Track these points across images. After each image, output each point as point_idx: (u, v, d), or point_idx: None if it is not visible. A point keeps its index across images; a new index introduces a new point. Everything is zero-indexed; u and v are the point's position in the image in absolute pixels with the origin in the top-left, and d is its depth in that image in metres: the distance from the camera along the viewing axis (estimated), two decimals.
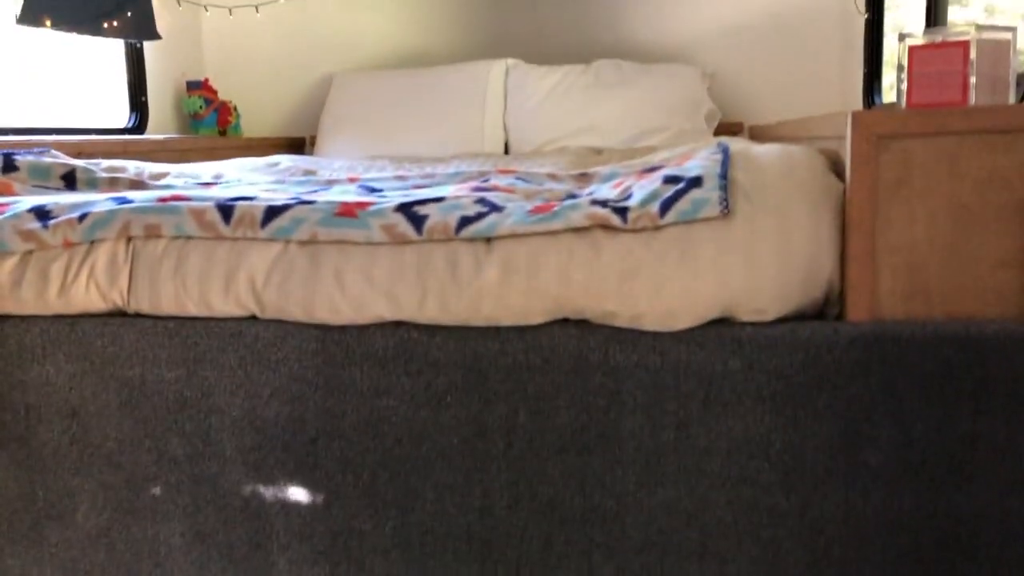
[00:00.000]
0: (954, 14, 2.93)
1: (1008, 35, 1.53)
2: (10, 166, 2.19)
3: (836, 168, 1.67)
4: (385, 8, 4.57)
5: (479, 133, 4.02)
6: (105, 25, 3.47)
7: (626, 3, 4.45)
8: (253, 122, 4.39)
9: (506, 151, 4.03)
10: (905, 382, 1.46)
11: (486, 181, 2.17)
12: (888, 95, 3.42)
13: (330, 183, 2.34)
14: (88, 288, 1.72)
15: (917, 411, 1.46)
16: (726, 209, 1.52)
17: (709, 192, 1.56)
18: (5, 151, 2.24)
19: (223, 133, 4.11)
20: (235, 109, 4.17)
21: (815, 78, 3.90)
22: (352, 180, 2.36)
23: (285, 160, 3.37)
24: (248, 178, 2.71)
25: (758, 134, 3.68)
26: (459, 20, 4.72)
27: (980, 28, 1.53)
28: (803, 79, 3.95)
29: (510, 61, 4.20)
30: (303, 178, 2.69)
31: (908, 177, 1.46)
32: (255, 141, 4.13)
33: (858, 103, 3.47)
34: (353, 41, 4.54)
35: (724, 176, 1.60)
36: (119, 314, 1.74)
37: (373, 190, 2.19)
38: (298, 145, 4.48)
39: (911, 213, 1.47)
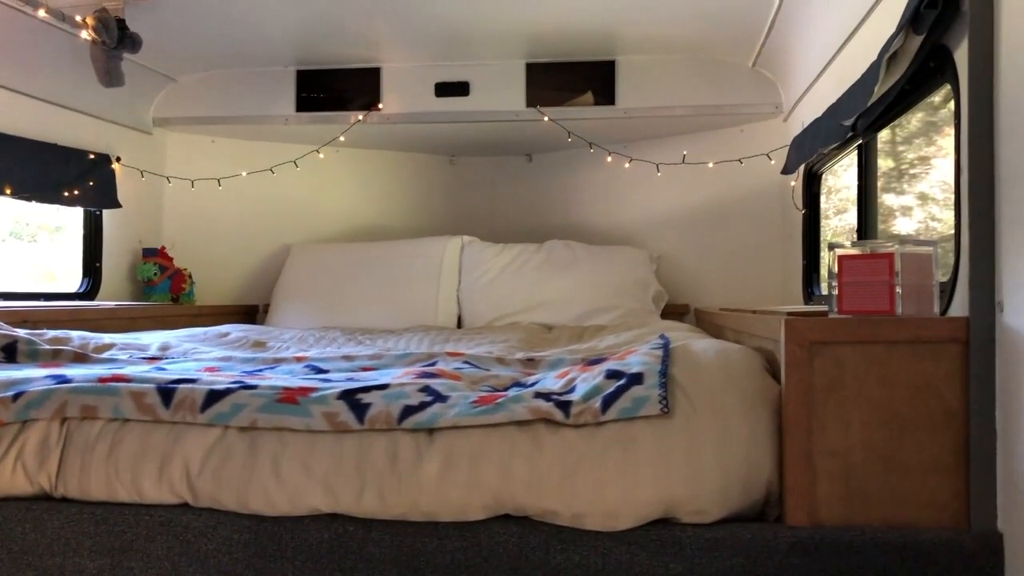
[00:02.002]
0: (891, 200, 3.09)
1: (929, 249, 1.63)
2: None
3: (772, 368, 1.71)
4: (345, 184, 4.73)
5: (433, 306, 4.07)
6: (66, 193, 3.52)
7: (577, 189, 4.66)
8: (207, 289, 4.41)
9: (459, 325, 4.07)
10: None
11: (433, 364, 2.18)
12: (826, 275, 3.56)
13: (277, 362, 2.34)
14: (15, 470, 1.66)
15: None
16: (666, 408, 1.55)
17: (649, 390, 1.58)
18: None
19: (176, 300, 4.11)
20: (190, 277, 4.20)
21: (758, 264, 4.07)
22: (299, 359, 2.36)
23: (236, 331, 3.37)
24: (196, 350, 2.70)
25: (703, 318, 3.78)
26: (417, 198, 4.89)
27: (904, 242, 1.63)
28: (747, 265, 4.11)
29: (466, 238, 4.33)
30: (251, 353, 2.68)
31: (841, 382, 1.51)
32: (207, 309, 4.13)
33: (798, 291, 3.61)
34: (312, 214, 4.66)
35: (664, 374, 1.63)
36: (44, 498, 1.68)
37: (319, 371, 2.18)
38: (251, 313, 4.49)
39: (845, 418, 1.50)
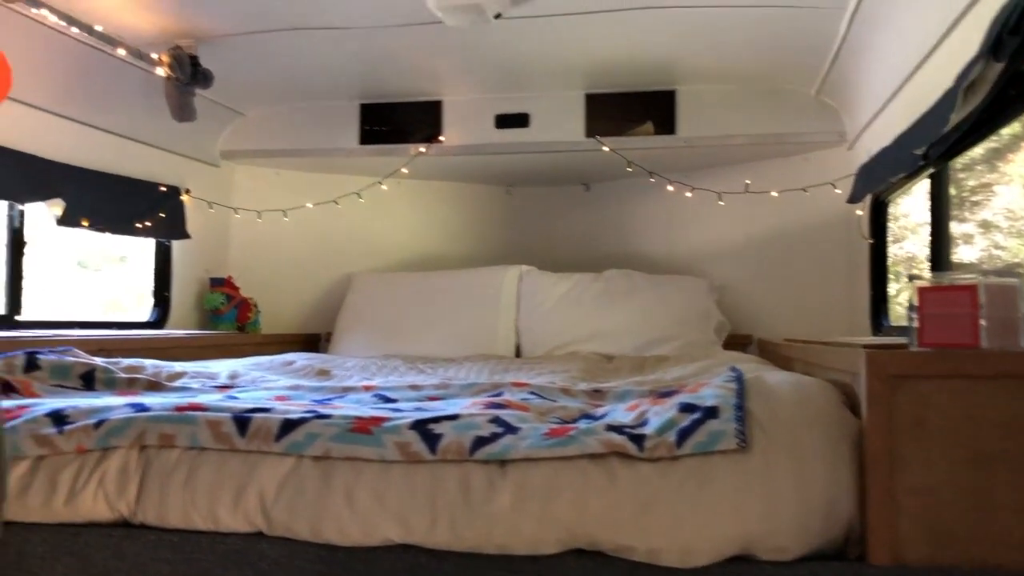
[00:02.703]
0: (951, 227, 3.04)
1: (1015, 281, 1.58)
2: (32, 365, 2.23)
3: (850, 402, 1.67)
4: (406, 215, 4.78)
5: (492, 336, 4.08)
6: (138, 225, 3.62)
7: (636, 218, 4.65)
8: (272, 318, 4.49)
9: (517, 354, 4.07)
10: None
11: (499, 395, 2.18)
12: (894, 306, 3.49)
13: (345, 391, 2.36)
14: (96, 497, 1.69)
15: None
16: (743, 442, 1.52)
17: (725, 424, 1.56)
18: (29, 350, 2.28)
19: (242, 329, 4.18)
20: (255, 306, 4.27)
21: (823, 295, 4.00)
22: (367, 388, 2.38)
23: (300, 359, 3.42)
24: (264, 379, 2.74)
25: (767, 349, 3.72)
26: (475, 228, 4.92)
27: (986, 273, 1.59)
28: (810, 295, 4.05)
29: (524, 267, 4.34)
30: (318, 382, 2.71)
31: (924, 418, 1.47)
32: (272, 337, 4.20)
33: (866, 322, 3.54)
34: (374, 244, 4.72)
35: (740, 407, 1.61)
36: (123, 525, 1.71)
37: (388, 400, 2.20)
38: (313, 341, 4.55)
39: (929, 455, 1.46)
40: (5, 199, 2.98)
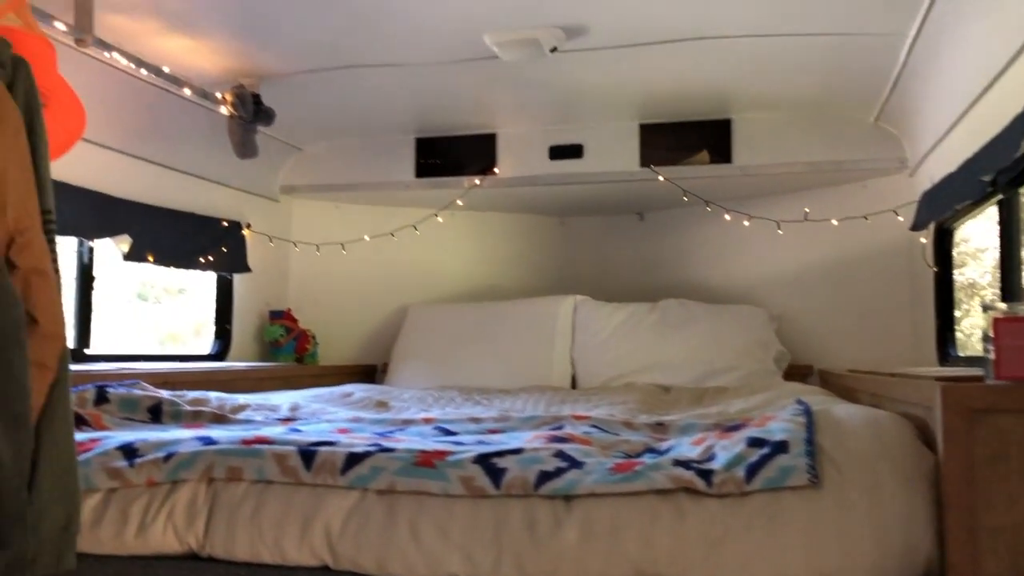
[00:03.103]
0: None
1: None
2: (102, 398, 2.28)
3: (924, 436, 1.63)
4: (461, 247, 4.81)
5: (547, 366, 4.06)
6: (201, 259, 3.70)
7: (691, 247, 4.61)
8: (329, 349, 4.53)
9: (573, 385, 4.05)
10: None
11: (560, 428, 2.17)
12: (960, 335, 3.40)
13: (406, 423, 2.37)
14: (166, 529, 1.72)
15: None
16: (815, 478, 1.49)
17: (796, 459, 1.53)
18: (99, 384, 2.34)
19: (300, 360, 4.23)
20: (313, 338, 4.32)
21: (885, 324, 3.91)
22: (427, 421, 2.38)
23: (358, 391, 3.44)
24: (324, 411, 2.76)
25: (829, 380, 3.65)
26: (529, 258, 4.92)
27: None
28: (872, 325, 3.96)
29: (578, 298, 4.32)
30: (378, 415, 2.73)
31: (1006, 454, 1.42)
32: (329, 369, 4.24)
33: (931, 353, 3.45)
34: (430, 276, 4.75)
35: (810, 442, 1.57)
36: (192, 557, 1.73)
37: (448, 432, 2.20)
38: (370, 372, 4.58)
39: (1012, 492, 1.41)
40: (75, 236, 3.07)
